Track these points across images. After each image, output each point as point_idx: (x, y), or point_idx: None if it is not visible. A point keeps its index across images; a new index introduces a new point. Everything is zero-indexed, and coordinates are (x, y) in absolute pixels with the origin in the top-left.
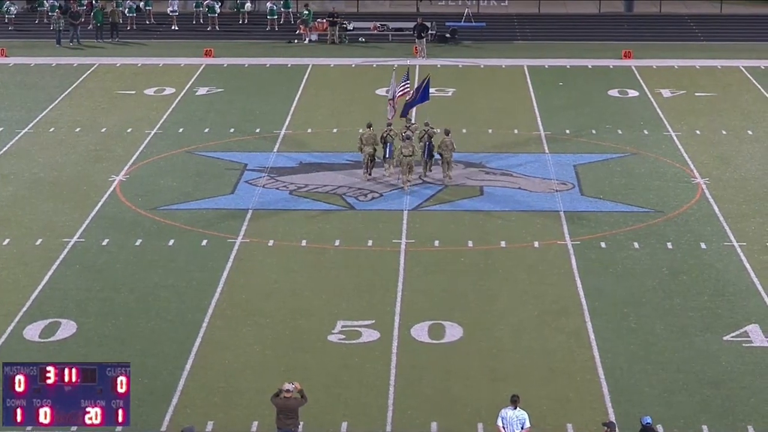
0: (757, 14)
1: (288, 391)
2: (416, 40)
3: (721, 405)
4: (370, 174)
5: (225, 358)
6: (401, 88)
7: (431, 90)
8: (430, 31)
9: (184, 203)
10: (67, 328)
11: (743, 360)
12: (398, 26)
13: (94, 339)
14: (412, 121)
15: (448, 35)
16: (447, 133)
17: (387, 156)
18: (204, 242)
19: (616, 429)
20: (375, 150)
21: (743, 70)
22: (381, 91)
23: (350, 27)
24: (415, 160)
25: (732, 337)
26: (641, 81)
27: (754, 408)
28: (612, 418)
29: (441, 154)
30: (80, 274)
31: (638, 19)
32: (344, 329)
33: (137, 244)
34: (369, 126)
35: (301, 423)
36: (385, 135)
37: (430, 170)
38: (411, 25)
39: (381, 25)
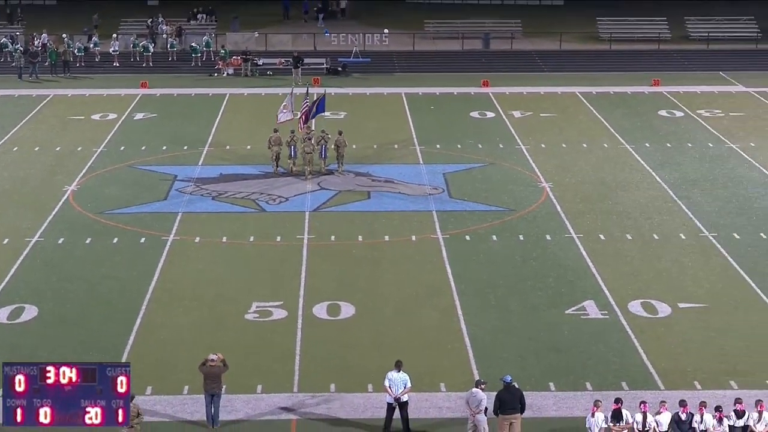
0: (589, 50)
1: (212, 360)
2: (293, 69)
3: (564, 367)
4: (277, 167)
5: (161, 336)
6: (303, 106)
7: (327, 113)
8: (318, 65)
9: (126, 208)
10: (30, 312)
11: (581, 330)
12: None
13: (53, 321)
14: (312, 129)
15: (340, 68)
16: (340, 133)
17: (292, 156)
18: (142, 240)
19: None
20: (280, 149)
21: (579, 95)
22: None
23: (260, 62)
24: (314, 160)
25: (572, 311)
26: (497, 104)
27: (591, 369)
28: (476, 378)
29: (336, 149)
30: (40, 268)
31: (494, 55)
32: (258, 309)
33: (87, 242)
34: (275, 131)
35: (224, 386)
36: (289, 140)
37: (327, 166)
38: (314, 60)
39: (285, 60)
